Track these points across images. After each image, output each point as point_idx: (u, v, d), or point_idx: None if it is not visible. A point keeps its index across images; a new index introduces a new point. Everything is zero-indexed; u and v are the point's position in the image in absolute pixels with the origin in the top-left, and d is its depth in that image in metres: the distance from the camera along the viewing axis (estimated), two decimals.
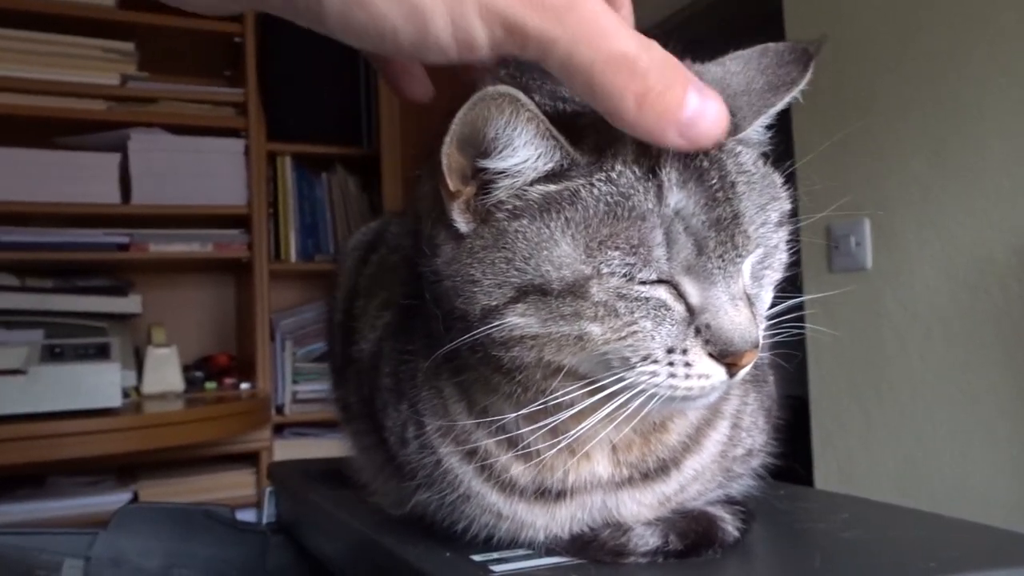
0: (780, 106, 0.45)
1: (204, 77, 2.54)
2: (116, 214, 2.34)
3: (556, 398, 0.43)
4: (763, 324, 0.44)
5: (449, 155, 0.41)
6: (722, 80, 0.45)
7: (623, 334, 0.40)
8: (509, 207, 0.41)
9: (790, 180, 0.48)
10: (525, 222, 0.41)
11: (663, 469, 0.49)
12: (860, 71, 1.79)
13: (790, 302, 0.48)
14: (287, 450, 2.48)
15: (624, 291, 0.40)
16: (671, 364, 0.41)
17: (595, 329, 0.40)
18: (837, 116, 1.83)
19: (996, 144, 1.53)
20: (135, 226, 2.36)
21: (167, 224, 2.40)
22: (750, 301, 0.42)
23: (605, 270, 0.40)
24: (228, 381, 2.55)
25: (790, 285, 0.48)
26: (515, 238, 0.41)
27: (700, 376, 0.41)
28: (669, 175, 0.40)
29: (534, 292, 0.40)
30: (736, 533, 0.49)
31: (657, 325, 0.41)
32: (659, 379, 0.41)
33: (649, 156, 0.40)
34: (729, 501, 0.53)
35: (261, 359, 2.50)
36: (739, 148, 0.43)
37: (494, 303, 0.41)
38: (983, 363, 1.56)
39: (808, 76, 0.45)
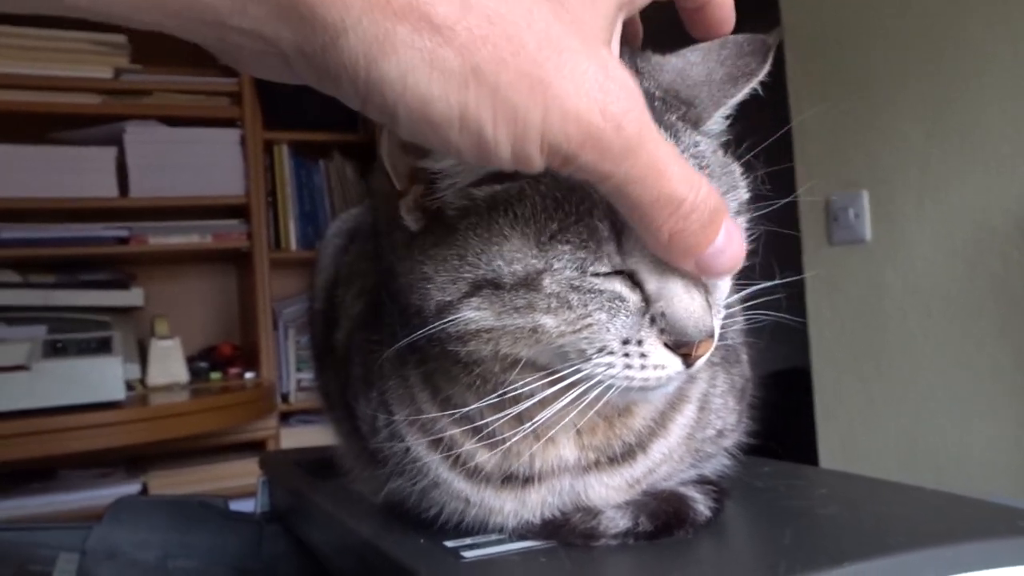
0: (739, 97, 0.45)
1: (198, 67, 2.52)
2: (115, 207, 2.35)
3: (515, 389, 0.43)
4: (721, 313, 0.44)
5: (391, 155, 0.41)
6: (682, 71, 0.45)
7: (578, 326, 0.40)
8: (457, 206, 0.41)
9: (787, 152, 0.48)
10: (474, 220, 0.41)
11: (629, 453, 0.49)
12: (857, 42, 1.77)
13: (759, 286, 0.47)
14: (293, 438, 2.49)
15: (577, 283, 0.40)
16: (627, 355, 0.41)
17: (549, 321, 0.40)
18: (834, 87, 1.81)
19: (994, 113, 1.52)
20: (134, 219, 2.37)
21: (166, 216, 2.41)
22: (707, 290, 0.42)
23: (557, 264, 0.40)
24: (233, 371, 2.56)
25: (776, 263, 0.47)
26: (465, 235, 0.41)
27: (656, 367, 0.41)
28: None
29: (488, 286, 0.40)
30: (708, 513, 0.49)
31: (612, 317, 0.40)
32: (615, 370, 0.41)
33: None
34: (702, 481, 0.53)
35: (265, 348, 2.52)
36: (696, 138, 0.43)
37: (448, 298, 0.41)
38: (983, 333, 1.56)
39: (767, 67, 0.45)
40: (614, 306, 0.40)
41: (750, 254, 0.45)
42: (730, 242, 0.36)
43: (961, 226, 1.59)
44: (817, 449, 1.90)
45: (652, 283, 0.41)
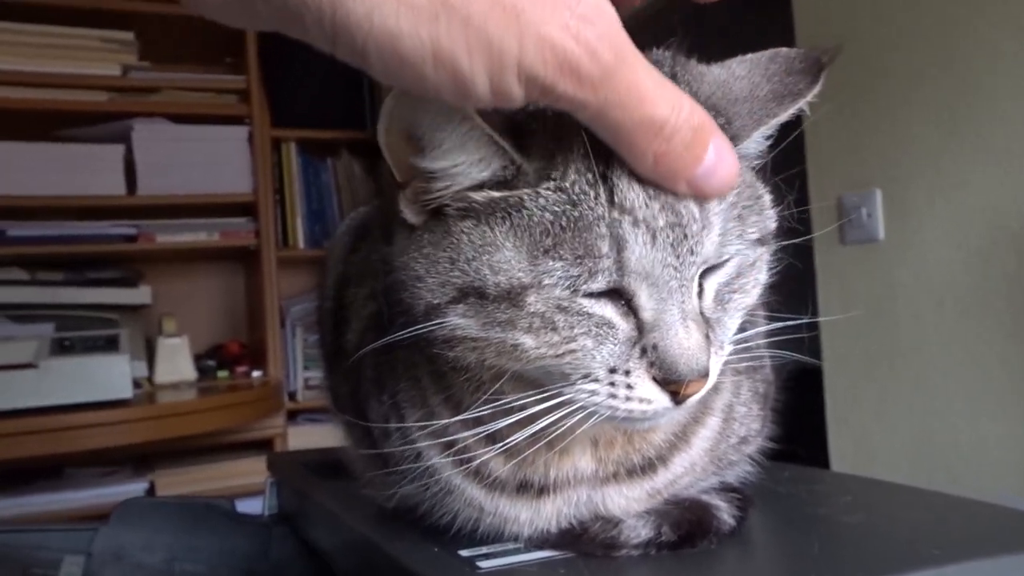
0: (783, 117, 0.42)
1: (206, 65, 2.52)
2: (122, 205, 2.34)
3: (508, 402, 0.41)
4: (724, 350, 0.41)
5: (389, 145, 0.39)
6: (724, 83, 0.42)
7: (560, 351, 0.38)
8: (456, 207, 0.40)
9: (799, 150, 0.46)
10: (470, 224, 0.39)
11: (650, 466, 0.47)
12: (869, 41, 1.75)
13: (760, 329, 0.46)
14: (301, 437, 2.48)
15: (566, 304, 0.38)
16: (612, 384, 0.39)
17: (529, 341, 0.38)
18: (846, 86, 1.79)
19: (1007, 110, 1.50)
20: (142, 217, 2.36)
21: (173, 214, 2.40)
22: (709, 324, 0.40)
23: (547, 281, 0.38)
24: (240, 369, 2.56)
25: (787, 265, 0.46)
26: (459, 239, 0.39)
27: (641, 400, 0.39)
28: (621, 180, 0.37)
29: (474, 294, 0.39)
30: (732, 521, 0.47)
31: (599, 344, 0.38)
32: (599, 399, 0.39)
33: (601, 160, 0.38)
34: (725, 488, 0.51)
35: (272, 346, 2.51)
36: None
37: (436, 301, 0.40)
38: (996, 332, 1.53)
39: (817, 88, 0.42)
40: (602, 332, 0.38)
41: (771, 288, 0.43)
42: (721, 160, 0.36)
43: (974, 225, 1.57)
44: (828, 450, 1.88)
45: (648, 310, 0.39)
